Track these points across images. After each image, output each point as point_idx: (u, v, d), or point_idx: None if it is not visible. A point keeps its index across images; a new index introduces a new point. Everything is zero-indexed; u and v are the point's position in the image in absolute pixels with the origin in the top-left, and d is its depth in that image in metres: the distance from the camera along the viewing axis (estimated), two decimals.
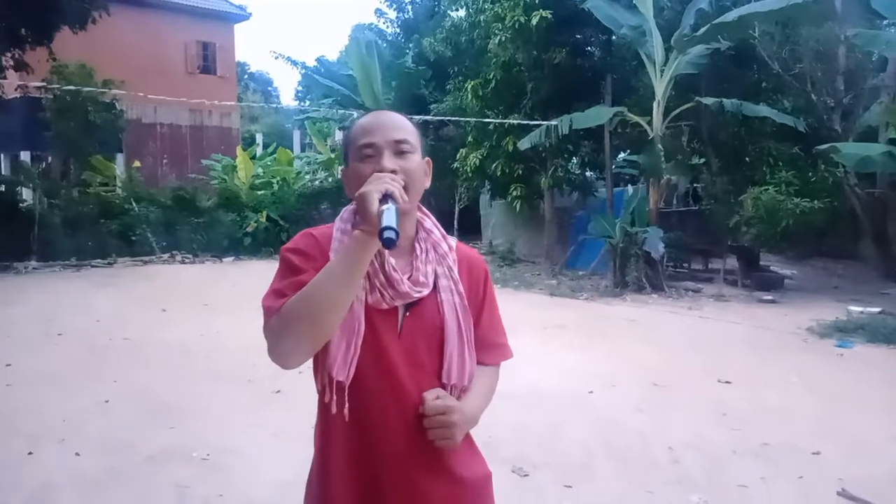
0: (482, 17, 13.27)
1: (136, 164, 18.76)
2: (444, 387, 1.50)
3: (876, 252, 13.46)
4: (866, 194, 13.03)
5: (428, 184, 1.56)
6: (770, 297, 10.75)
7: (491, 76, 13.38)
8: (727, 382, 6.29)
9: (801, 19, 11.27)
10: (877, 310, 9.27)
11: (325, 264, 1.41)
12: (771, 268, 12.94)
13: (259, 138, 28.88)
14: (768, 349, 7.71)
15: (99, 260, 14.90)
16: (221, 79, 25.06)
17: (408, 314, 1.48)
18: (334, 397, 1.46)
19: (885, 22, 12.73)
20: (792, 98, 13.14)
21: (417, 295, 1.47)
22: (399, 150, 1.46)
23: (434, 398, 1.44)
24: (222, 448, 4.58)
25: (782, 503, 3.93)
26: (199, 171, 20.72)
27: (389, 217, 1.28)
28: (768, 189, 11.09)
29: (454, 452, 1.49)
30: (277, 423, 5.13)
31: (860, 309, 9.28)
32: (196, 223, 16.71)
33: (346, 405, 1.45)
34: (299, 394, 5.73)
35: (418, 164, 1.49)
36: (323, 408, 1.50)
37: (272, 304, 1.40)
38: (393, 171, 1.41)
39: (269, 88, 50.56)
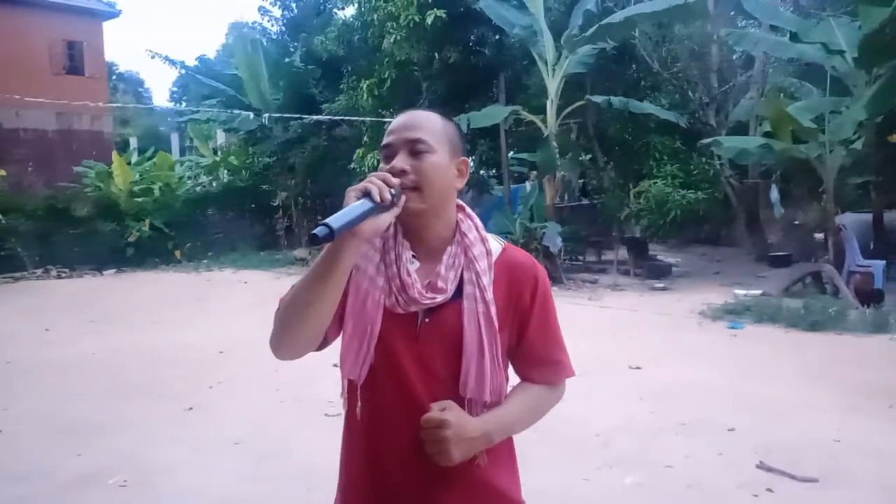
0: (375, 16, 13.16)
1: (1, 172, 17.24)
2: (461, 400, 1.43)
3: (750, 238, 14.52)
4: (740, 184, 14.02)
5: (460, 185, 1.49)
6: (662, 285, 11.31)
7: (386, 75, 13.30)
8: (638, 368, 6.55)
9: (680, 20, 11.93)
10: (758, 292, 9.96)
11: None
12: (658, 256, 13.62)
13: (134, 142, 27.33)
14: (669, 333, 8.11)
15: None
16: (91, 79, 23.50)
17: (426, 320, 1.43)
18: (346, 395, 1.48)
19: (752, 22, 13.73)
20: (670, 94, 13.92)
21: (429, 301, 1.41)
22: (414, 149, 1.41)
23: (439, 409, 1.37)
24: (143, 468, 4.29)
25: (708, 478, 4.11)
26: (71, 178, 19.30)
27: (344, 212, 1.23)
28: (657, 182, 11.68)
29: (477, 465, 1.43)
30: (197, 438, 4.88)
31: (744, 292, 9.93)
32: (72, 234, 15.55)
33: (359, 404, 1.45)
34: (215, 408, 5.53)
35: (436, 163, 1.42)
36: (344, 408, 1.52)
37: (283, 297, 1.42)
38: (402, 171, 1.39)
39: (141, 89, 48.03)
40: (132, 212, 16.84)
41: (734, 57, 14.56)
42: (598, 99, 12.08)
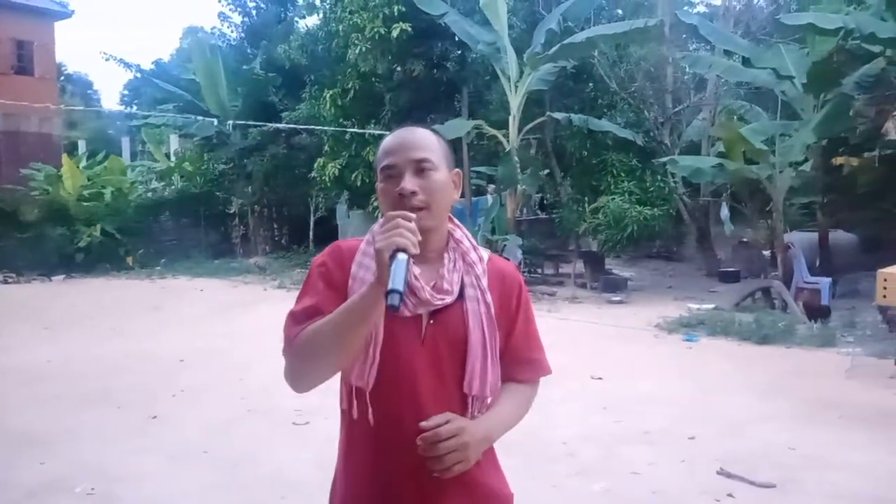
0: (340, 27, 13.18)
1: None
2: (465, 398, 1.50)
3: (701, 253, 14.97)
4: (693, 202, 14.46)
5: (457, 196, 1.56)
6: (618, 298, 11.56)
7: (349, 86, 13.33)
8: (599, 378, 6.70)
9: (638, 42, 12.29)
10: (711, 306, 10.27)
11: (343, 280, 1.48)
12: (614, 270, 13.91)
13: (83, 145, 26.62)
14: (627, 345, 8.31)
15: None
16: (40, 80, 22.82)
17: (431, 322, 1.48)
18: (355, 402, 1.48)
19: (706, 46, 14.21)
20: (625, 113, 14.29)
21: (439, 303, 1.47)
22: (420, 168, 1.46)
23: (444, 421, 1.40)
24: (109, 477, 4.21)
25: (672, 485, 4.25)
26: (18, 181, 18.70)
27: (398, 275, 1.26)
28: (614, 198, 11.96)
29: (474, 466, 1.47)
30: (163, 448, 4.81)
31: (697, 306, 10.24)
32: (19, 238, 15.11)
33: (370, 410, 1.46)
34: (179, 417, 5.46)
35: (441, 181, 1.49)
36: (344, 414, 1.53)
37: (289, 332, 1.45)
38: (413, 192, 1.44)
39: (90, 91, 46.83)
40: (82, 216, 16.43)
41: (688, 79, 15.04)
42: (558, 115, 12.34)
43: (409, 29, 12.34)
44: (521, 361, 1.61)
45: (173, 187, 19.59)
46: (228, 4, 19.16)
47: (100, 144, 27.81)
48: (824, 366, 7.14)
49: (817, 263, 11.47)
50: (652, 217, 11.73)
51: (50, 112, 21.97)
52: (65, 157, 18.99)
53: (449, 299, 1.48)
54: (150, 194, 19.37)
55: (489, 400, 1.53)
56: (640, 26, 10.37)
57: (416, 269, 1.46)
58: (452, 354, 1.49)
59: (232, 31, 20.16)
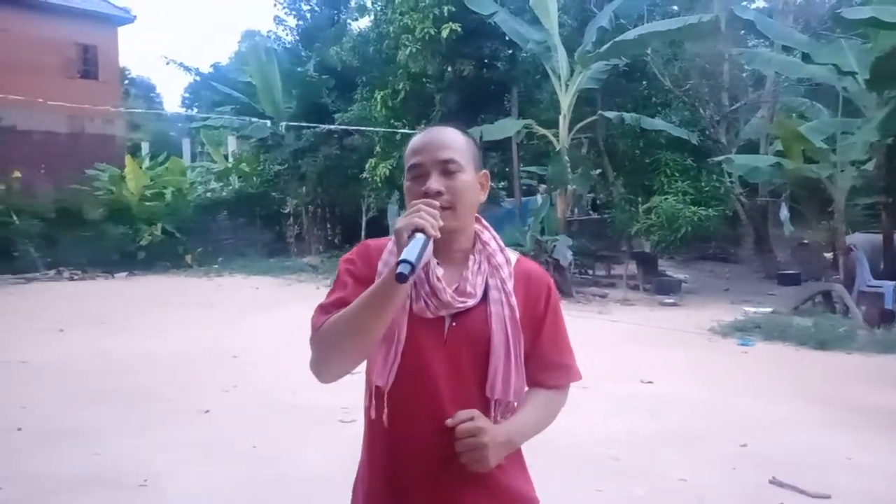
0: (391, 28, 13.30)
1: (16, 174, 17.39)
2: (487, 401, 1.48)
3: (759, 256, 14.56)
4: (750, 202, 14.08)
5: (483, 197, 1.55)
6: (671, 301, 11.35)
7: (400, 87, 13.43)
8: (649, 382, 6.58)
9: (692, 39, 12.03)
10: (768, 309, 9.99)
11: (370, 276, 1.46)
12: (667, 272, 13.66)
13: (145, 147, 27.52)
14: (679, 349, 8.14)
15: None
16: (103, 84, 23.65)
17: (454, 324, 1.47)
18: (373, 402, 1.49)
19: (764, 42, 13.82)
20: (680, 112, 14.01)
21: (461, 305, 1.46)
22: (446, 169, 1.47)
23: (468, 418, 1.41)
24: (158, 472, 4.34)
25: (720, 492, 4.15)
26: (83, 181, 19.44)
27: (412, 249, 1.28)
28: (667, 198, 11.74)
29: (496, 468, 1.47)
30: (213, 441, 4.93)
31: (754, 309, 9.97)
32: (83, 237, 15.70)
33: (385, 410, 1.47)
34: (230, 412, 5.59)
35: (467, 182, 1.49)
36: (367, 412, 1.54)
37: (316, 321, 1.46)
38: (438, 192, 1.44)
39: (152, 94, 48.30)
40: (144, 216, 17.00)
41: (745, 76, 14.65)
42: (610, 114, 12.18)
43: (459, 29, 12.37)
44: (548, 366, 1.59)
45: (231, 188, 20.09)
46: (284, 8, 19.53)
47: (162, 146, 28.67)
48: (885, 373, 6.88)
49: (881, 266, 11.01)
50: (706, 217, 11.48)
51: (113, 114, 22.76)
52: (128, 159, 19.70)
53: (471, 302, 1.47)
54: (208, 194, 19.91)
55: (513, 404, 1.51)
56: (693, 23, 10.16)
57: (440, 271, 1.47)
58: (474, 357, 1.48)
59: (287, 35, 20.56)
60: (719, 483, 4.27)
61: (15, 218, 15.08)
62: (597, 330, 9.23)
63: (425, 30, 12.40)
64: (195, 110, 31.76)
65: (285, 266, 16.27)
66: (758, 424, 5.34)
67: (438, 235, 1.34)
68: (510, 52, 13.71)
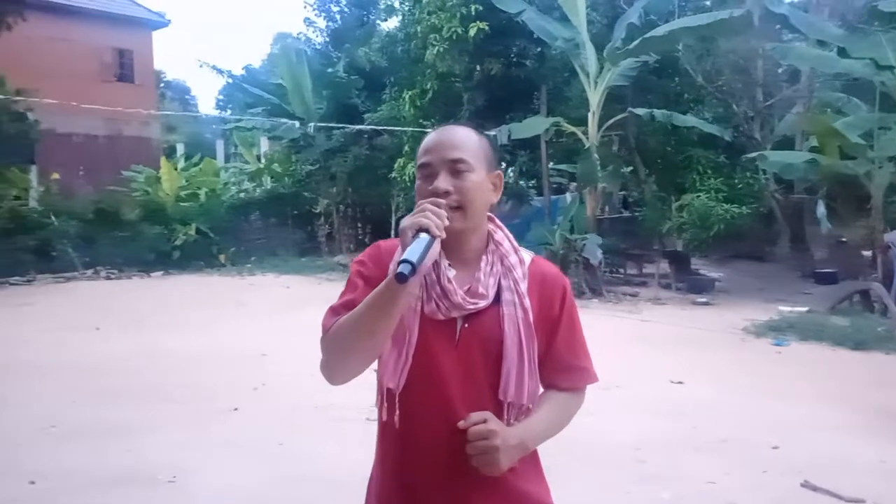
0: (418, 28, 13.33)
1: (55, 175, 17.84)
2: (500, 404, 1.46)
3: (794, 254, 14.28)
4: (785, 199, 13.81)
5: (496, 199, 1.53)
6: (704, 300, 11.19)
7: (428, 86, 13.46)
8: (679, 382, 6.49)
9: (724, 34, 11.84)
10: (804, 309, 9.79)
11: (381, 277, 1.43)
12: (700, 271, 13.47)
13: (180, 148, 27.98)
14: (711, 349, 8.02)
15: (17, 277, 14.08)
16: (139, 87, 24.17)
17: (465, 326, 1.45)
18: (385, 404, 1.49)
19: (798, 36, 13.53)
20: (713, 108, 13.79)
21: (472, 307, 1.44)
22: (455, 169, 1.45)
23: (480, 420, 1.40)
24: (188, 468, 4.40)
25: (750, 496, 4.07)
26: (119, 182, 19.87)
27: (414, 249, 1.26)
28: (700, 195, 11.58)
29: (509, 471, 1.45)
30: (239, 439, 5.00)
31: (789, 309, 9.78)
32: (120, 237, 16.02)
33: (397, 412, 1.46)
34: (258, 410, 5.65)
35: (477, 182, 1.46)
36: (379, 414, 1.54)
37: (326, 323, 1.46)
38: (446, 192, 1.43)
39: (187, 97, 49.07)
40: (178, 216, 17.28)
41: (780, 71, 14.37)
42: (640, 111, 12.05)
43: (487, 28, 12.35)
44: (563, 369, 1.56)
45: (263, 188, 20.33)
46: (313, 10, 19.70)
47: (196, 147, 29.08)
48: None
49: None
50: (740, 215, 11.30)
51: (148, 117, 23.21)
52: (163, 160, 20.07)
53: (483, 303, 1.46)
54: (241, 195, 20.15)
55: (526, 407, 1.49)
56: (724, 18, 9.99)
57: (452, 272, 1.46)
58: (487, 359, 1.46)
59: (317, 36, 20.73)
60: (749, 486, 4.20)
61: (54, 219, 15.44)
62: (627, 329, 9.14)
63: (453, 29, 12.41)
64: (228, 112, 32.22)
65: (316, 265, 16.41)
66: (790, 426, 5.23)
67: (443, 235, 1.33)
68: (538, 49, 13.64)
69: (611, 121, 12.60)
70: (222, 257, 17.05)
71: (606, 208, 16.11)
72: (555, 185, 19.49)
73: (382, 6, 16.50)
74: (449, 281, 1.44)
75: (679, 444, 4.91)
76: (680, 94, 14.07)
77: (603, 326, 9.45)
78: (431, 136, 1.52)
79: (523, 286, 1.49)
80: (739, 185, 12.04)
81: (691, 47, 13.15)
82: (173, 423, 5.33)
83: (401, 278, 1.23)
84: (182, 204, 18.22)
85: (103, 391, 6.24)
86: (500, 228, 1.56)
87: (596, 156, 12.05)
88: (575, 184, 14.87)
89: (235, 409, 5.70)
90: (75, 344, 8.23)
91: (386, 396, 1.48)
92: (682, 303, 11.23)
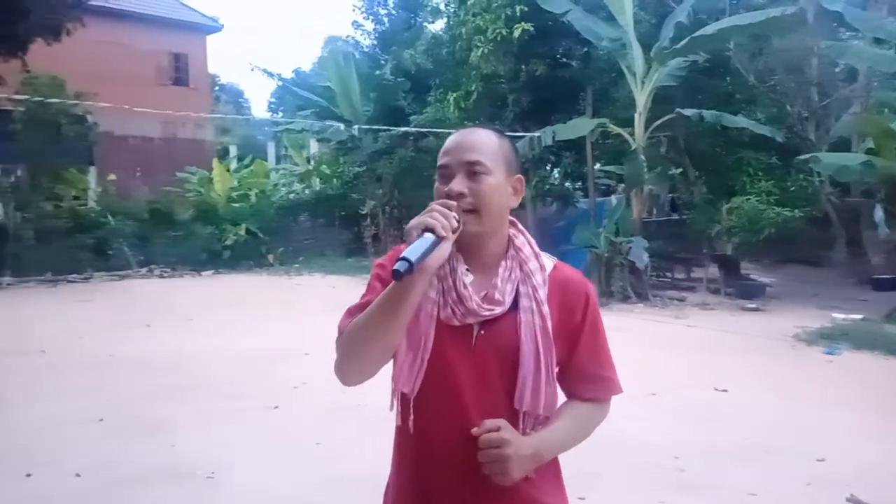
0: (463, 30, 13.35)
1: (112, 176, 18.46)
2: (515, 412, 1.44)
3: (850, 259, 13.79)
4: (841, 202, 13.35)
5: (515, 203, 1.51)
6: (753, 305, 10.90)
7: (472, 88, 13.45)
8: (724, 390, 6.34)
9: (776, 32, 11.52)
10: (859, 316, 9.45)
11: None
12: (751, 276, 13.14)
13: (233, 150, 28.62)
14: (758, 356, 7.81)
15: (75, 275, 14.64)
16: (194, 90, 24.83)
17: (482, 332, 1.44)
18: (399, 408, 1.49)
19: (855, 34, 13.09)
20: (767, 108, 13.42)
21: (487, 313, 1.43)
22: (471, 171, 1.43)
23: (494, 428, 1.38)
24: (226, 465, 4.50)
25: None
26: (174, 183, 20.45)
27: (416, 248, 1.26)
28: (750, 198, 11.29)
29: (525, 482, 1.43)
30: (278, 437, 5.08)
31: (843, 316, 9.45)
32: (173, 236, 16.51)
33: (411, 417, 1.46)
34: (298, 409, 5.74)
35: (493, 185, 1.44)
36: (396, 418, 1.54)
37: (341, 324, 1.47)
38: (461, 194, 1.41)
39: (241, 100, 50.11)
40: (229, 216, 17.70)
41: (836, 70, 13.90)
42: (688, 112, 11.81)
43: (532, 29, 12.28)
44: (586, 378, 1.53)
45: (312, 189, 20.66)
46: (362, 13, 19.90)
47: (249, 149, 29.71)
48: None
49: None
50: (792, 218, 10.96)
51: (202, 119, 23.83)
52: (215, 162, 20.58)
53: (499, 310, 1.43)
54: (290, 196, 20.52)
55: (543, 417, 1.46)
56: (776, 16, 9.71)
57: (469, 278, 1.45)
58: (503, 367, 1.44)
59: (365, 39, 20.91)
60: (792, 499, 4.08)
61: (111, 218, 15.99)
62: (671, 335, 8.98)
63: (497, 30, 12.38)
64: (280, 114, 32.75)
65: (362, 266, 16.58)
66: (837, 438, 5.06)
67: (449, 236, 1.32)
68: (584, 50, 13.50)
69: (658, 122, 12.37)
70: (271, 257, 17.38)
71: (654, 211, 15.85)
72: (603, 187, 19.29)
73: (428, 8, 16.55)
74: (465, 286, 1.43)
75: (720, 453, 4.80)
76: (731, 94, 13.73)
77: (647, 331, 9.34)
78: (451, 138, 1.52)
79: (542, 293, 1.46)
80: (792, 188, 11.69)
81: (743, 46, 12.82)
82: (215, 420, 5.46)
83: (396, 275, 1.23)
84: (233, 205, 18.66)
85: (151, 387, 6.43)
86: (522, 233, 1.54)
87: (642, 157, 11.86)
88: (623, 185, 14.67)
89: (276, 408, 5.79)
90: (127, 340, 8.50)
91: (401, 401, 1.48)
92: (731, 308, 10.97)
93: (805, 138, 12.98)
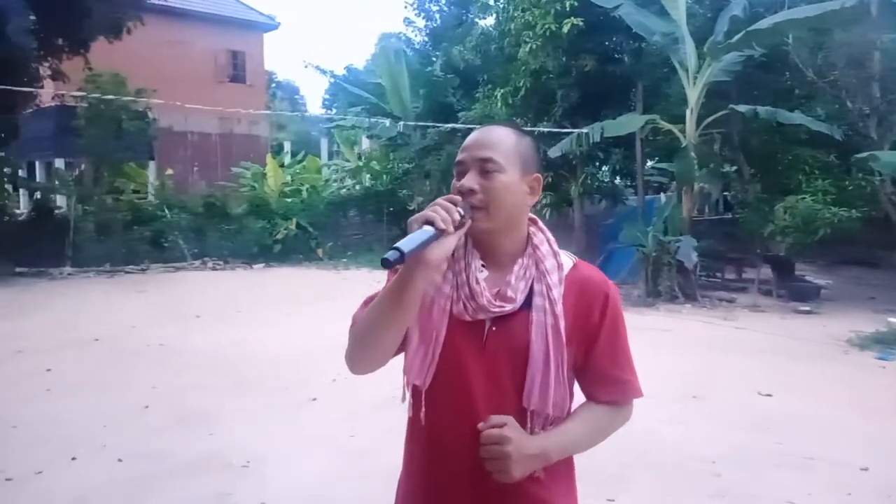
0: (512, 25, 13.27)
1: (169, 171, 19.04)
2: (524, 410, 1.44)
3: None
4: None
5: (531, 202, 1.51)
6: (807, 308, 10.56)
7: (520, 84, 13.36)
8: (768, 395, 6.18)
9: (836, 25, 11.09)
10: None
11: None
12: (805, 277, 12.72)
13: (287, 146, 29.15)
14: (808, 361, 7.57)
15: (132, 266, 15.15)
16: (250, 87, 25.37)
17: (493, 329, 1.44)
18: (411, 400, 1.51)
19: None
20: (827, 105, 12.93)
21: (497, 310, 1.43)
22: (484, 168, 1.44)
23: (499, 424, 1.38)
24: (260, 455, 4.60)
25: None
26: (229, 178, 20.99)
27: (411, 239, 1.27)
28: (805, 198, 10.93)
29: (535, 482, 1.43)
30: (313, 429, 5.17)
31: None
32: (226, 230, 16.91)
33: (423, 409, 1.48)
34: (334, 401, 5.83)
35: (506, 183, 1.44)
36: (408, 411, 1.56)
37: (356, 313, 1.49)
38: (471, 190, 1.42)
39: (296, 97, 51.01)
40: (281, 211, 18.04)
41: None
42: (742, 108, 11.48)
43: (581, 24, 12.13)
44: (603, 380, 1.52)
45: (362, 185, 20.89)
46: (414, 10, 19.97)
47: (303, 145, 30.29)
48: None
49: None
50: (849, 219, 10.55)
51: (258, 116, 24.33)
52: (269, 157, 21.00)
53: (510, 307, 1.43)
54: (341, 191, 20.80)
55: (553, 417, 1.46)
56: (836, 8, 9.36)
57: (483, 274, 1.46)
58: (513, 365, 1.44)
59: (416, 35, 20.97)
60: None
61: (167, 212, 16.47)
62: (718, 337, 8.77)
63: (546, 26, 12.27)
64: (333, 111, 33.17)
65: None
66: (883, 447, 4.88)
67: (449, 229, 1.32)
68: (635, 45, 13.27)
69: (710, 118, 12.07)
70: (320, 251, 17.65)
71: (706, 209, 15.48)
72: (655, 185, 18.93)
73: (479, 4, 16.51)
74: (478, 282, 1.44)
75: (760, 460, 4.69)
76: (790, 89, 13.27)
77: (693, 333, 9.15)
78: (470, 135, 1.53)
79: (556, 292, 1.45)
80: (850, 187, 11.25)
81: (802, 40, 12.38)
82: (254, 410, 5.59)
83: (385, 263, 1.24)
84: (285, 199, 19.01)
85: (195, 376, 6.63)
86: (542, 231, 1.54)
87: (693, 155, 11.59)
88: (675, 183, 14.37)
89: (314, 400, 5.90)
90: (177, 330, 8.76)
91: (413, 393, 1.51)
92: (783, 311, 10.65)
93: (866, 136, 12.45)
